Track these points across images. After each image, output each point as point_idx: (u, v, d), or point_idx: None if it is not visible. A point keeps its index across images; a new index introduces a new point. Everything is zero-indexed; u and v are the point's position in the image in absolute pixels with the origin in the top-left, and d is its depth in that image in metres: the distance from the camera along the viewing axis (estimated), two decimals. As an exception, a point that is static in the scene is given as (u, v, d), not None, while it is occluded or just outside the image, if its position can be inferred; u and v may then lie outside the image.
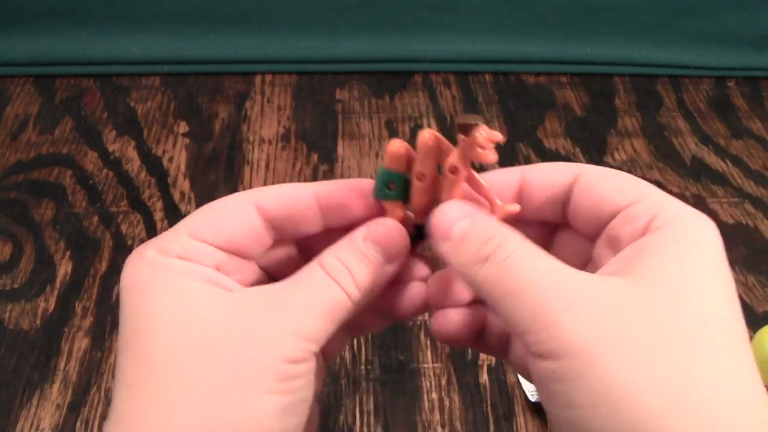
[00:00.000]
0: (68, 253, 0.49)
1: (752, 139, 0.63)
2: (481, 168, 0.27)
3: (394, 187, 0.27)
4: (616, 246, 0.24)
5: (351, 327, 0.30)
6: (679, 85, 0.69)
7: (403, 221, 0.27)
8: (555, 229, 0.29)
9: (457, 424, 0.41)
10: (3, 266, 0.48)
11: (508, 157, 0.59)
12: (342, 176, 0.56)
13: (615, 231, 0.24)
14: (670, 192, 0.55)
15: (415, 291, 0.28)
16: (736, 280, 0.50)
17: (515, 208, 0.26)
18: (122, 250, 0.50)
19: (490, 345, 0.29)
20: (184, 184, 0.55)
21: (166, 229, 0.54)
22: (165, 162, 0.57)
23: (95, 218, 0.52)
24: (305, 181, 0.56)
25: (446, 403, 0.42)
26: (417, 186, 0.27)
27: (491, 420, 0.41)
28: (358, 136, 0.61)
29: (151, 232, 0.51)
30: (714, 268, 0.22)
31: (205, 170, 0.57)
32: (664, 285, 0.21)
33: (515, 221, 0.27)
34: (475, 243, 0.24)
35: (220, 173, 0.56)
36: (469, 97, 0.65)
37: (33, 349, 0.44)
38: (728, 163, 0.60)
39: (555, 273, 0.22)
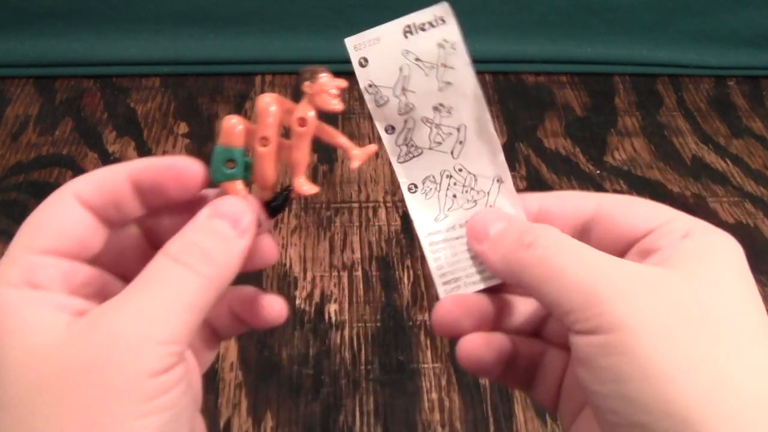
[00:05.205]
0: (68, 253, 0.49)
1: (752, 139, 0.63)
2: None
3: (233, 165, 0.26)
4: (646, 254, 0.25)
5: (211, 335, 0.29)
6: (679, 84, 0.69)
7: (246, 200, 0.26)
8: None
9: (457, 424, 0.41)
10: (3, 267, 0.48)
11: (508, 157, 0.59)
12: (342, 177, 0.56)
13: (648, 245, 0.25)
14: (670, 192, 0.56)
15: (266, 245, 0.27)
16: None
17: (373, 148, 0.27)
18: (122, 250, 0.50)
19: (517, 375, 0.29)
20: (184, 185, 0.55)
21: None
22: (165, 162, 0.57)
23: (95, 219, 0.52)
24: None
25: (446, 403, 0.42)
26: (261, 153, 0.27)
27: (491, 420, 0.41)
28: (358, 136, 0.61)
29: (152, 232, 0.51)
30: (744, 271, 0.25)
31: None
32: (706, 278, 0.23)
33: None
34: (516, 235, 0.25)
35: (220, 174, 0.56)
36: (469, 97, 0.65)
37: (33, 349, 0.44)
38: (728, 162, 0.60)
39: (600, 257, 0.23)
